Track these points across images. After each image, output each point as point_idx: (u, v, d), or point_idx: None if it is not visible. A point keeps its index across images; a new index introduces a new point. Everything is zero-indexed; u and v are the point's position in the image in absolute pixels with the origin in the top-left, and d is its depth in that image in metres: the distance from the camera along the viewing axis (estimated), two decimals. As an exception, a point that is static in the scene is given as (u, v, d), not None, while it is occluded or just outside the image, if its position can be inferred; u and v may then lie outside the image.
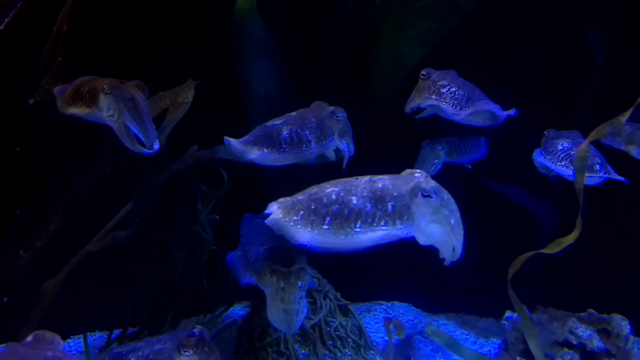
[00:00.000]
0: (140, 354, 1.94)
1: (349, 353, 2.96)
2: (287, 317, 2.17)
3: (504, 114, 2.59)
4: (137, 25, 3.17)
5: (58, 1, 2.57)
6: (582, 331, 2.96)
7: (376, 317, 3.72)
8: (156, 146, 2.22)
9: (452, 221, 1.82)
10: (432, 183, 1.83)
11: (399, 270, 3.54)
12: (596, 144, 2.64)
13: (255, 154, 2.31)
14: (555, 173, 2.68)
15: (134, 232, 2.63)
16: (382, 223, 1.83)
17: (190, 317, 3.41)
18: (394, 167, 2.00)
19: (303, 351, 2.88)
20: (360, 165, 2.23)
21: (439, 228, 1.82)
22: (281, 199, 1.95)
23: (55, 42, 2.55)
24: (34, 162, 2.64)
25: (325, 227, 1.85)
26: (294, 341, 2.88)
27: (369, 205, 1.84)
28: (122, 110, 2.18)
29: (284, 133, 2.31)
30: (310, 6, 3.31)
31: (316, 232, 1.86)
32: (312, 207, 1.88)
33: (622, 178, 2.57)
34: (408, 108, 2.66)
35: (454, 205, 1.84)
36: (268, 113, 2.54)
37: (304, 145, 2.31)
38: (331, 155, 2.42)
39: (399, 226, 1.82)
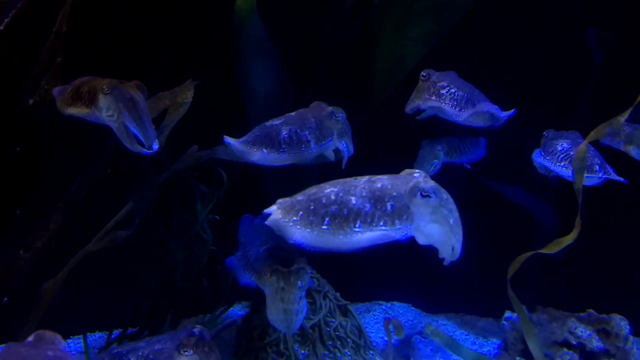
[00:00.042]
0: (140, 353, 1.94)
1: (348, 353, 2.96)
2: (286, 317, 2.17)
3: (503, 114, 2.59)
4: (137, 25, 3.17)
5: (58, 1, 2.57)
6: (581, 331, 2.96)
7: (376, 317, 3.72)
8: (155, 146, 2.22)
9: (451, 221, 1.83)
10: (431, 183, 1.84)
11: (398, 271, 3.54)
12: (595, 144, 2.64)
13: (256, 156, 2.31)
14: (555, 173, 2.68)
15: (134, 232, 2.63)
16: (382, 223, 1.83)
17: (190, 317, 3.42)
18: (394, 167, 2.01)
19: (303, 351, 2.89)
20: (359, 166, 2.23)
21: (438, 228, 1.83)
22: (280, 200, 1.96)
23: (55, 42, 2.55)
24: (34, 162, 2.64)
25: (325, 227, 1.86)
26: (294, 341, 2.88)
27: (368, 205, 1.85)
28: (121, 111, 2.18)
29: (284, 133, 2.31)
30: (310, 6, 3.31)
31: (315, 232, 1.86)
32: (312, 207, 1.88)
33: (621, 178, 2.57)
34: (408, 109, 2.66)
35: (453, 205, 1.85)
36: (268, 113, 2.55)
37: (303, 146, 2.31)
38: (330, 155, 2.42)
39: (398, 226, 1.83)
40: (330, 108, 2.40)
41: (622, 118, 2.52)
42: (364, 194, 1.86)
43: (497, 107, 2.60)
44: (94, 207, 2.70)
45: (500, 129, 2.66)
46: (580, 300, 3.14)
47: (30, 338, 1.67)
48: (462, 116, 2.54)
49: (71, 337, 3.33)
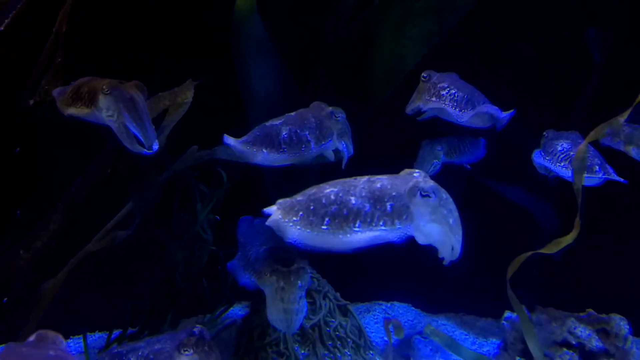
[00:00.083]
0: (140, 353, 1.94)
1: (348, 353, 2.97)
2: (286, 317, 2.18)
3: (503, 115, 2.59)
4: (137, 25, 3.18)
5: (58, 2, 2.57)
6: (581, 331, 2.96)
7: (375, 317, 3.72)
8: (155, 146, 2.23)
9: (451, 221, 1.83)
10: (431, 183, 1.84)
11: (398, 271, 3.54)
12: (595, 144, 2.65)
13: (258, 157, 2.31)
14: (555, 173, 2.68)
15: (134, 232, 2.63)
16: (381, 223, 1.84)
17: (190, 317, 3.42)
18: (393, 167, 2.01)
19: (303, 351, 2.89)
20: (359, 166, 2.24)
21: (438, 227, 1.83)
22: (280, 200, 1.96)
23: (55, 42, 2.55)
24: (34, 162, 2.64)
25: (324, 227, 1.86)
26: (294, 341, 2.89)
27: (367, 205, 1.85)
28: (121, 111, 2.18)
29: (283, 133, 2.32)
30: (310, 6, 3.31)
31: (315, 232, 1.87)
32: (311, 207, 1.89)
33: (621, 179, 2.57)
34: (409, 109, 2.67)
35: (452, 205, 1.85)
36: (268, 113, 2.55)
37: (303, 146, 2.32)
38: (330, 155, 2.42)
39: (398, 226, 1.83)
40: (330, 108, 2.41)
41: (622, 118, 2.52)
42: (363, 194, 1.86)
43: (497, 108, 2.60)
44: (94, 207, 2.70)
45: (501, 129, 2.67)
46: (580, 300, 3.14)
47: (32, 338, 1.67)
48: (464, 117, 2.54)
49: (71, 337, 3.33)
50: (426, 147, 3.09)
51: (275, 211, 1.94)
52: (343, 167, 2.41)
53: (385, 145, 3.29)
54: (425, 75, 2.61)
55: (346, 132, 2.42)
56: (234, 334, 3.20)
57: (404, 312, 3.80)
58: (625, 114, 2.52)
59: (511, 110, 2.60)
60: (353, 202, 1.86)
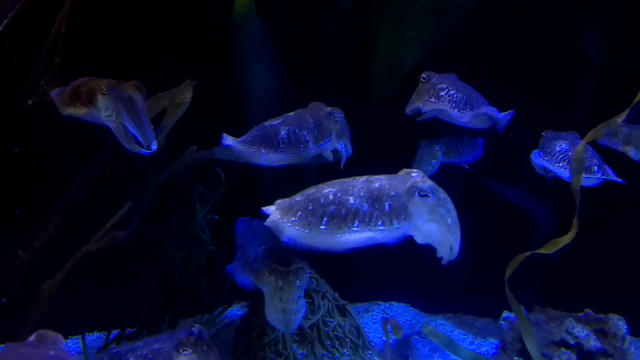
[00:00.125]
0: (139, 353, 1.94)
1: (347, 353, 2.97)
2: (285, 317, 2.18)
3: (501, 116, 2.60)
4: (137, 25, 3.18)
5: (57, 2, 2.57)
6: (579, 331, 2.96)
7: (374, 317, 3.72)
8: (154, 147, 2.23)
9: (449, 220, 1.84)
10: (429, 182, 1.85)
11: (397, 271, 3.54)
12: (594, 144, 2.65)
13: (258, 157, 2.31)
14: (554, 174, 2.69)
15: (133, 232, 2.63)
16: (379, 222, 1.84)
17: (189, 318, 3.41)
18: (392, 167, 2.01)
19: (301, 351, 2.89)
20: (358, 166, 2.24)
21: (436, 227, 1.84)
22: (279, 200, 1.97)
23: (54, 42, 2.55)
24: (33, 162, 2.64)
25: (323, 227, 1.87)
26: (292, 341, 2.89)
27: (366, 205, 1.85)
28: (120, 111, 2.18)
29: (282, 133, 2.32)
30: (309, 7, 3.31)
31: (314, 232, 1.87)
32: (310, 207, 1.89)
33: (620, 179, 2.58)
34: (408, 110, 2.67)
35: (450, 205, 1.86)
36: (266, 113, 2.55)
37: (302, 146, 2.32)
38: (329, 155, 2.42)
39: (396, 225, 1.84)
40: (329, 108, 2.41)
41: (620, 119, 2.53)
42: (361, 194, 1.87)
43: (496, 109, 2.61)
44: (92, 208, 2.70)
45: (502, 129, 2.67)
46: (578, 300, 3.15)
47: (32, 338, 1.67)
48: (465, 118, 2.55)
49: (70, 337, 3.33)
50: (424, 147, 3.10)
51: (274, 211, 1.94)
52: (342, 167, 2.41)
53: (383, 145, 3.29)
54: (424, 76, 2.62)
55: (345, 132, 2.43)
56: (233, 334, 3.20)
57: (402, 312, 3.80)
58: (623, 115, 2.53)
59: (510, 111, 2.60)
60: (351, 202, 1.86)
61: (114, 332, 3.05)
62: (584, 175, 2.55)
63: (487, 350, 3.44)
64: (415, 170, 1.92)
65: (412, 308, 3.83)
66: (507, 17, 3.38)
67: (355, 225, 1.85)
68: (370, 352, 3.07)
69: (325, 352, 2.91)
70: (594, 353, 2.95)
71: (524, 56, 3.44)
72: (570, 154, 2.60)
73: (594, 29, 3.37)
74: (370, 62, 3.17)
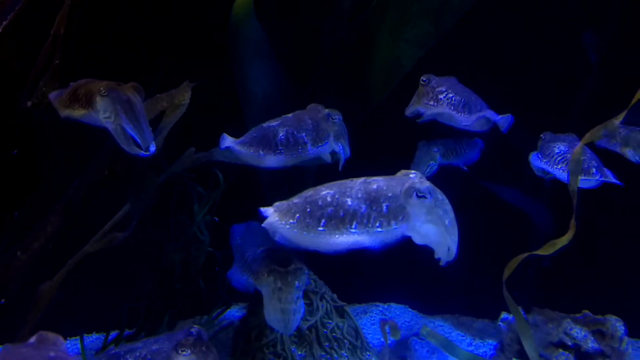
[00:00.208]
0: (137, 354, 1.94)
1: (345, 354, 2.97)
2: (284, 317, 2.18)
3: (499, 118, 2.60)
4: (137, 25, 3.18)
5: (56, 3, 2.57)
6: (576, 332, 2.97)
7: (372, 318, 3.72)
8: (152, 148, 2.24)
9: (447, 221, 1.84)
10: (427, 183, 1.85)
11: (395, 272, 3.55)
12: (591, 146, 2.66)
13: (257, 158, 2.32)
14: (552, 176, 2.69)
15: (131, 233, 2.63)
16: (377, 224, 1.85)
17: (187, 319, 3.41)
18: (390, 169, 2.02)
19: (300, 352, 2.89)
20: (357, 167, 2.24)
21: (434, 228, 1.84)
22: (277, 203, 1.97)
23: (53, 44, 2.56)
24: (32, 163, 2.64)
25: (321, 228, 1.87)
26: (291, 342, 2.89)
27: (363, 207, 1.86)
28: (118, 112, 2.19)
29: (280, 135, 2.32)
30: (308, 8, 3.32)
31: (312, 234, 1.88)
32: (308, 209, 1.90)
33: (618, 181, 2.58)
34: (408, 112, 2.68)
35: (448, 206, 1.86)
36: (265, 115, 2.55)
37: (300, 147, 2.32)
38: (327, 157, 2.43)
39: (394, 226, 1.84)
40: (327, 110, 2.41)
41: (617, 120, 2.54)
42: (359, 195, 1.87)
43: (494, 112, 2.61)
44: (91, 209, 2.71)
45: (498, 129, 2.68)
46: (576, 301, 3.15)
47: (33, 339, 1.67)
48: (467, 121, 2.56)
49: (68, 338, 3.33)
50: (423, 148, 3.10)
51: (272, 214, 1.95)
52: (340, 169, 2.42)
53: (382, 146, 3.29)
54: (424, 79, 2.62)
55: (343, 134, 2.43)
56: (231, 335, 3.20)
57: (400, 313, 3.80)
58: (621, 116, 2.54)
59: (507, 114, 2.61)
60: (349, 203, 1.87)
61: (113, 333, 3.05)
62: (582, 177, 2.56)
63: (485, 352, 3.44)
64: (413, 172, 1.92)
65: (410, 309, 3.83)
66: (506, 17, 3.39)
67: (353, 226, 1.85)
68: (368, 353, 3.07)
69: (323, 353, 2.91)
70: (591, 354, 2.95)
71: (522, 57, 3.44)
72: (568, 155, 2.60)
73: (593, 30, 3.38)
74: (369, 63, 3.17)
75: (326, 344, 2.94)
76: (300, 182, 2.83)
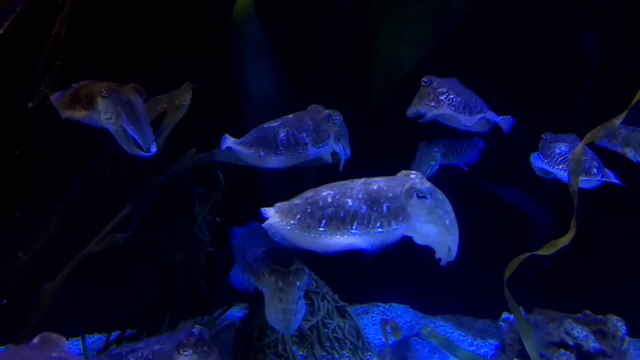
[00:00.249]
0: (139, 354, 1.94)
1: (346, 354, 2.97)
2: (285, 317, 2.18)
3: (499, 119, 2.61)
4: (137, 25, 3.18)
5: (57, 5, 2.58)
6: (578, 332, 2.97)
7: (374, 318, 3.73)
8: (153, 149, 2.24)
9: (447, 222, 1.85)
10: (427, 184, 1.86)
11: (396, 272, 3.55)
12: (593, 146, 2.66)
13: (257, 159, 2.32)
14: (554, 176, 2.69)
15: (133, 234, 2.64)
16: (378, 224, 1.85)
17: (189, 319, 3.42)
18: (391, 169, 2.02)
19: (301, 353, 2.89)
20: (357, 167, 2.25)
21: (434, 228, 1.85)
22: (278, 204, 1.98)
23: (54, 45, 2.56)
24: (33, 164, 2.64)
25: (322, 229, 1.87)
26: (292, 342, 2.89)
27: (364, 207, 1.86)
28: (119, 114, 2.20)
29: (281, 135, 2.32)
30: (308, 8, 3.32)
31: (312, 234, 1.88)
32: (309, 210, 1.91)
33: (620, 182, 2.58)
34: (409, 113, 2.68)
35: (449, 206, 1.87)
36: (265, 115, 2.56)
37: (301, 148, 2.32)
38: (328, 158, 2.43)
39: (395, 227, 1.85)
40: (327, 111, 2.41)
41: (618, 120, 2.54)
42: (360, 196, 1.87)
43: (494, 114, 2.62)
44: (92, 210, 2.71)
45: (498, 129, 2.68)
46: (577, 301, 3.15)
47: (35, 340, 1.68)
48: (469, 122, 2.56)
49: (70, 338, 3.33)
50: (423, 148, 3.10)
51: (272, 214, 1.95)
52: (341, 169, 2.42)
53: (382, 146, 3.30)
54: (425, 80, 2.63)
55: (343, 134, 2.43)
56: (233, 335, 3.20)
57: (402, 313, 3.81)
58: (621, 117, 2.54)
59: (508, 116, 2.61)
60: (350, 204, 1.87)
61: (114, 334, 3.05)
62: (584, 178, 2.56)
63: (486, 352, 3.44)
64: (413, 172, 1.93)
65: (411, 309, 3.84)
66: (506, 17, 3.39)
67: (354, 227, 1.86)
68: (369, 353, 3.07)
69: (324, 353, 2.92)
70: (592, 354, 2.95)
71: (523, 57, 3.44)
72: (569, 156, 2.60)
73: (593, 30, 3.38)
74: (369, 64, 3.17)
75: (327, 344, 2.94)
76: (301, 183, 2.83)
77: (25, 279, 2.55)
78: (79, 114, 2.27)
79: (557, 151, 2.64)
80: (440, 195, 1.86)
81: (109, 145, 2.61)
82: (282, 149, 2.31)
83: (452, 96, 2.57)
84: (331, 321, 3.01)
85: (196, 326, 1.98)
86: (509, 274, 2.60)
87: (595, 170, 2.58)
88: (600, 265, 3.51)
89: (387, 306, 3.86)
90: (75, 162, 2.81)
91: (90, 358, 2.93)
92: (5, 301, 2.52)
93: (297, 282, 2.19)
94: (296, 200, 1.96)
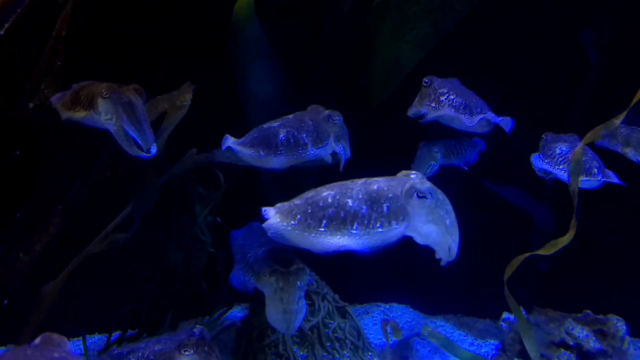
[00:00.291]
0: (140, 354, 1.95)
1: (347, 355, 2.97)
2: (286, 317, 2.18)
3: (499, 120, 2.61)
4: (137, 25, 3.18)
5: (57, 5, 2.58)
6: (578, 332, 2.97)
7: (374, 318, 3.73)
8: (153, 150, 2.24)
9: (447, 222, 1.85)
10: (428, 184, 1.86)
11: (397, 272, 3.55)
12: (593, 147, 2.66)
13: (258, 159, 2.32)
14: (554, 176, 2.69)
15: (133, 234, 2.64)
16: (378, 224, 1.85)
17: (189, 319, 3.43)
18: (391, 169, 2.02)
19: (301, 353, 2.90)
20: (358, 167, 2.25)
21: (435, 228, 1.85)
22: (279, 204, 1.98)
23: (54, 46, 2.56)
24: (34, 165, 2.65)
25: (322, 229, 1.88)
26: (293, 343, 2.89)
27: (364, 207, 1.86)
28: (120, 114, 2.20)
29: (281, 135, 2.32)
30: (309, 9, 3.32)
31: (313, 234, 1.89)
32: (309, 210, 1.91)
33: (621, 182, 2.58)
34: (410, 113, 2.68)
35: (449, 206, 1.87)
36: (266, 116, 2.56)
37: (301, 148, 2.32)
38: (328, 158, 2.43)
39: (395, 227, 1.85)
40: (327, 111, 2.42)
41: (618, 120, 2.54)
42: (360, 196, 1.88)
43: (494, 114, 2.62)
44: (93, 210, 2.71)
45: (498, 129, 2.68)
46: (578, 301, 3.15)
47: (37, 340, 1.68)
48: (469, 122, 2.56)
49: (70, 339, 3.33)
50: (423, 148, 3.10)
51: (273, 215, 1.95)
52: (341, 170, 2.42)
53: (382, 147, 3.30)
54: (426, 80, 2.63)
55: (343, 135, 2.43)
56: (233, 335, 3.21)
57: (402, 313, 3.81)
58: (621, 116, 2.53)
59: (508, 117, 2.61)
60: (350, 204, 1.87)
61: (115, 334, 3.06)
62: (584, 178, 2.56)
63: (487, 352, 3.45)
64: (413, 172, 1.93)
65: (412, 309, 3.84)
66: (506, 17, 3.39)
67: (354, 227, 1.86)
68: (370, 353, 3.07)
69: (325, 353, 2.92)
70: (593, 354, 2.95)
71: (523, 57, 3.44)
72: (570, 156, 2.60)
73: (592, 30, 3.38)
74: (369, 64, 3.18)
75: (328, 344, 2.95)
76: (301, 183, 2.83)
77: (26, 279, 2.55)
78: (79, 115, 2.28)
79: (558, 151, 2.64)
80: (441, 195, 1.86)
81: (109, 145, 2.61)
82: (282, 149, 2.31)
83: (452, 97, 2.57)
84: (332, 321, 3.01)
85: (197, 326, 1.99)
86: (509, 273, 2.60)
87: (595, 170, 2.58)
88: (600, 265, 3.51)
89: (387, 306, 3.86)
90: (75, 162, 2.81)
91: (91, 358, 2.93)
92: (6, 301, 2.52)
93: (298, 282, 2.20)
94: (296, 201, 1.96)
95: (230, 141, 2.34)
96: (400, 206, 1.85)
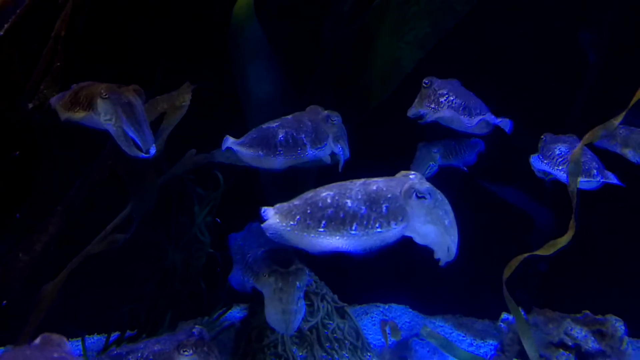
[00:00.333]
0: (139, 355, 1.95)
1: (346, 355, 2.98)
2: (285, 318, 2.18)
3: (498, 121, 2.61)
4: (137, 26, 3.19)
5: (57, 6, 2.58)
6: (577, 332, 2.97)
7: (373, 319, 3.73)
8: (153, 150, 2.25)
9: (446, 222, 1.85)
10: (426, 184, 1.86)
11: (396, 272, 3.55)
12: (592, 147, 2.66)
13: (257, 159, 2.32)
14: (553, 177, 2.70)
15: (132, 235, 2.64)
16: (377, 225, 1.85)
17: (188, 320, 3.43)
18: (390, 170, 2.02)
19: (300, 353, 2.90)
20: (357, 168, 2.25)
21: (433, 228, 1.85)
22: (278, 205, 1.98)
23: (53, 47, 2.56)
24: (33, 165, 2.65)
25: (321, 229, 1.88)
26: (292, 343, 2.90)
27: (363, 208, 1.87)
28: (119, 115, 2.20)
29: (280, 136, 2.32)
30: (308, 9, 3.32)
31: (312, 235, 1.89)
32: (308, 211, 1.91)
33: (620, 182, 2.58)
34: (410, 114, 2.69)
35: (448, 207, 1.87)
36: (265, 116, 2.56)
37: (299, 149, 2.32)
38: (327, 158, 2.43)
39: (394, 227, 1.85)
40: (326, 111, 2.42)
41: (616, 121, 2.54)
42: (359, 197, 1.88)
43: (494, 116, 2.62)
44: (92, 210, 2.71)
45: (498, 129, 2.68)
46: (576, 302, 3.16)
47: (36, 340, 1.68)
48: (469, 123, 2.56)
49: (69, 339, 3.32)
50: (422, 149, 3.11)
51: (272, 215, 1.95)
52: (340, 170, 2.42)
53: (381, 147, 3.30)
54: (426, 81, 2.64)
55: (342, 135, 2.43)
56: (232, 336, 3.21)
57: (401, 313, 3.81)
58: (620, 117, 2.54)
59: (507, 118, 2.61)
60: (349, 204, 1.87)
61: (114, 335, 3.06)
62: (583, 179, 2.56)
63: (485, 352, 3.45)
64: (412, 172, 1.93)
65: (411, 310, 3.84)
66: (506, 17, 3.39)
67: (354, 227, 1.86)
68: (369, 354, 3.07)
69: (324, 354, 2.92)
70: (592, 354, 2.95)
71: (522, 58, 3.45)
72: (569, 157, 2.60)
73: (592, 30, 3.38)
74: (369, 64, 3.18)
75: (327, 344, 2.95)
76: (300, 184, 2.83)
77: (26, 279, 2.55)
78: (79, 115, 2.28)
79: (557, 152, 2.65)
80: (439, 196, 1.86)
81: (108, 146, 2.61)
82: (281, 149, 2.31)
83: (452, 98, 2.58)
84: (331, 322, 3.02)
85: (196, 326, 1.99)
86: (508, 274, 2.61)
87: (595, 171, 2.58)
88: (599, 265, 3.51)
89: (386, 306, 3.86)
90: (75, 162, 2.81)
91: (90, 359, 2.93)
92: (5, 301, 2.52)
93: (297, 283, 2.20)
94: (296, 201, 1.97)
95: (229, 141, 2.34)
96: (399, 206, 1.85)
